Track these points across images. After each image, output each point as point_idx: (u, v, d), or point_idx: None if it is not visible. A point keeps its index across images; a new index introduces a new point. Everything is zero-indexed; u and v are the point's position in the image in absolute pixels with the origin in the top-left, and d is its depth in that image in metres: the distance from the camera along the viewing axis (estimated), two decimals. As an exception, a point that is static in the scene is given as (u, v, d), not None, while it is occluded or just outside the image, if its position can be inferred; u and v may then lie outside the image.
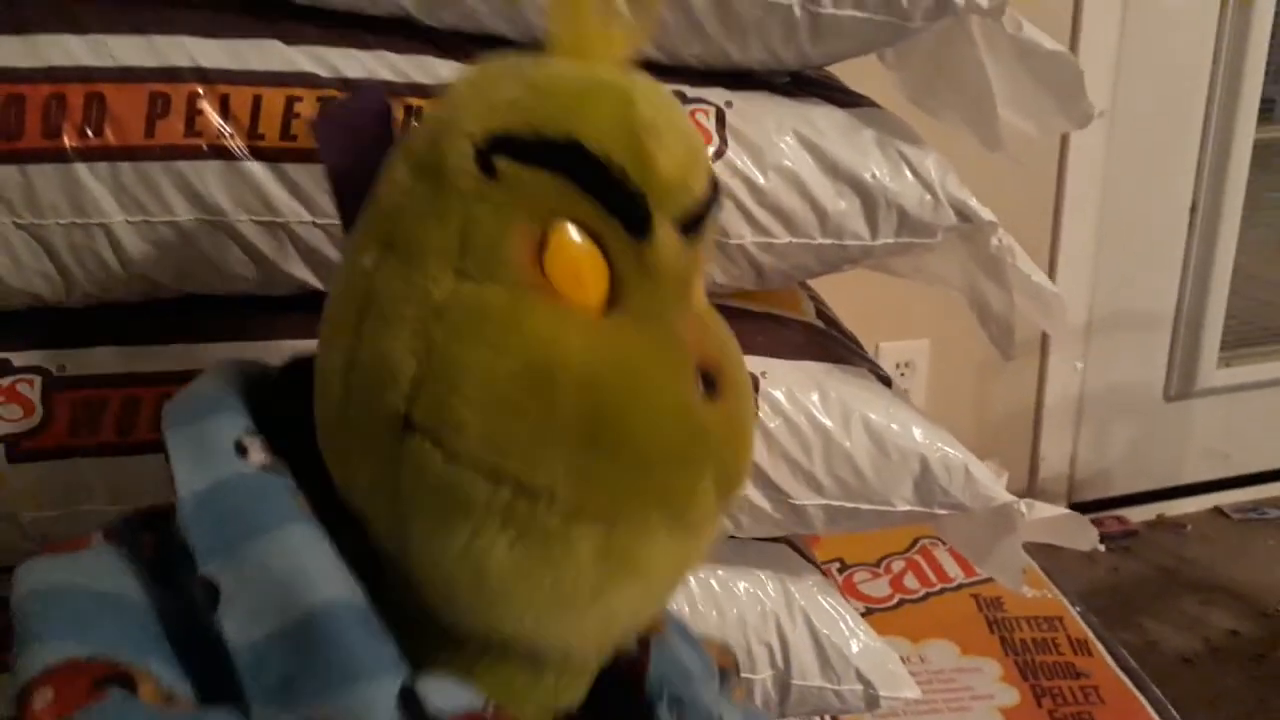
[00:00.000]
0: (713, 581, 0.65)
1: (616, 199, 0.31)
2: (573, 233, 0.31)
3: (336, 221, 0.51)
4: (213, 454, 0.33)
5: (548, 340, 0.31)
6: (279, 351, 0.54)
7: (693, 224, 0.33)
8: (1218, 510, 1.79)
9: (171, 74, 0.49)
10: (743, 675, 0.65)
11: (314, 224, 0.51)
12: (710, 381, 0.33)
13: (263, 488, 0.33)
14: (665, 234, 0.32)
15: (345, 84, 0.51)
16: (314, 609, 0.30)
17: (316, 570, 0.31)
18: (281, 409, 0.37)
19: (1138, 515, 1.77)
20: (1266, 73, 1.60)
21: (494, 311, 0.31)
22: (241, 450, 0.34)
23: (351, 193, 0.36)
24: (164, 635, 0.32)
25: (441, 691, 0.30)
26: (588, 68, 0.33)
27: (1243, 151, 1.63)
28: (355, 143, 0.37)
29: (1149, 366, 1.75)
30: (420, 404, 0.31)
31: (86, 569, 0.33)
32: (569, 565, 0.31)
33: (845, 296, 0.76)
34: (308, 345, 0.38)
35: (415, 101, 0.51)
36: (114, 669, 0.29)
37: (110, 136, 0.48)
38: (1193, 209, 1.67)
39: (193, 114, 0.49)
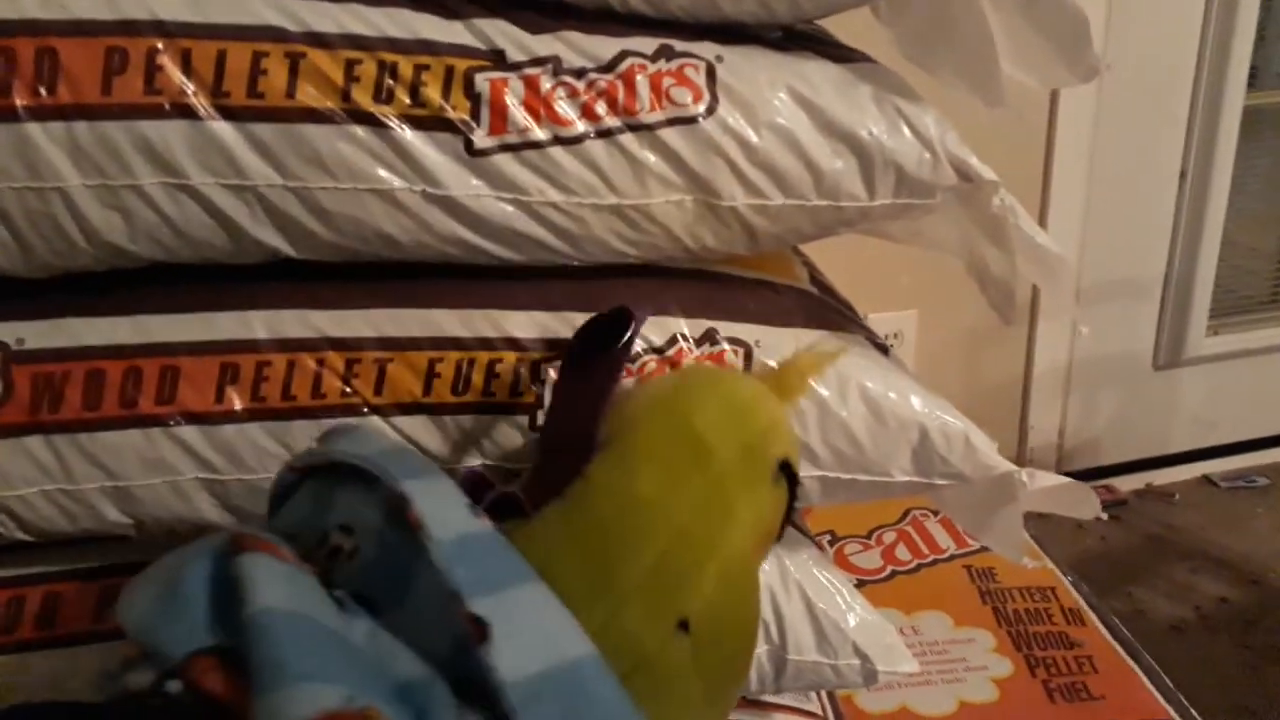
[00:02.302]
0: (706, 556, 0.63)
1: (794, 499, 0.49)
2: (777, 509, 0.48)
3: (308, 185, 0.49)
4: (454, 510, 0.37)
5: (756, 585, 0.47)
6: (251, 323, 0.52)
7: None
8: (1206, 479, 1.79)
9: (128, 27, 0.46)
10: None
11: (285, 187, 0.49)
12: None
13: (504, 545, 0.37)
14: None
15: (315, 38, 0.48)
16: (579, 659, 0.34)
17: (567, 623, 0.35)
18: None
19: (1126, 484, 1.77)
20: (1256, 39, 1.59)
21: (749, 560, 0.46)
22: (475, 511, 0.38)
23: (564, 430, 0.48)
24: (376, 671, 0.33)
25: None
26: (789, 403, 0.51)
27: (1232, 118, 1.62)
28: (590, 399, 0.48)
29: (1138, 335, 1.74)
30: (698, 631, 0.42)
31: (310, 595, 0.34)
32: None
33: (832, 268, 0.74)
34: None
35: (388, 57, 0.49)
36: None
37: (64, 94, 0.45)
38: (1182, 176, 1.66)
39: (152, 70, 0.46)
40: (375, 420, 0.52)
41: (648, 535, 0.42)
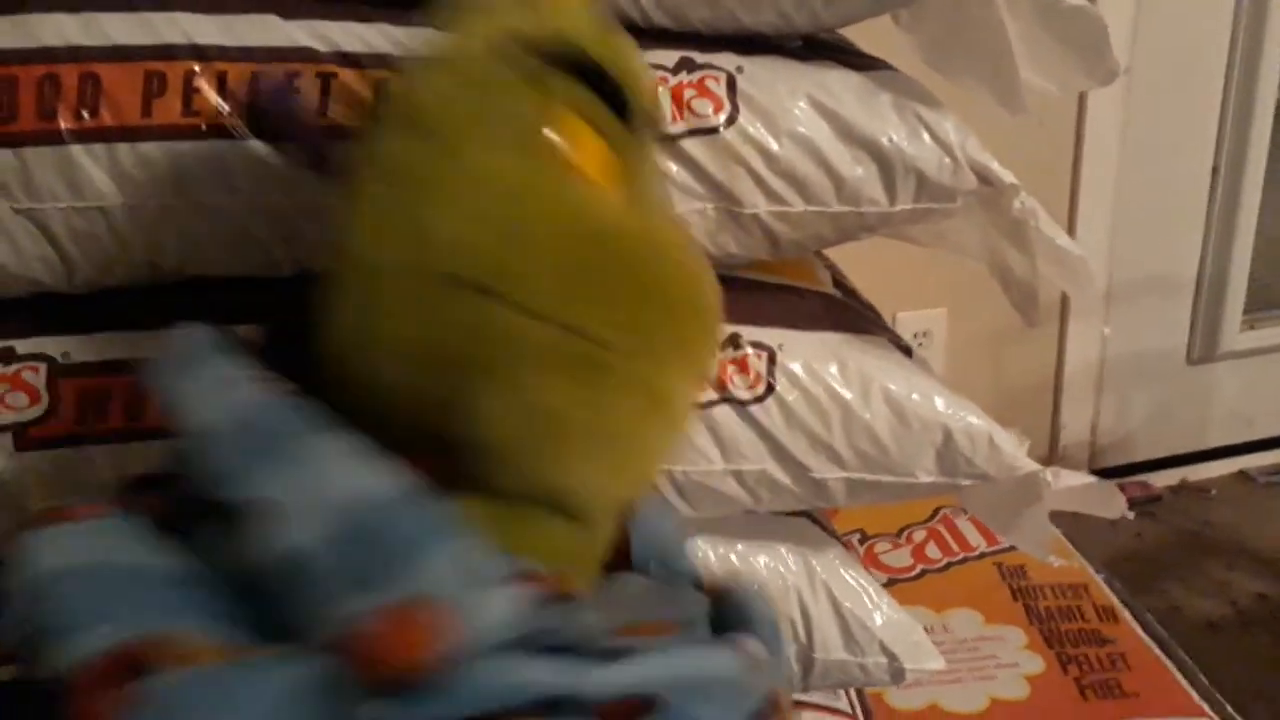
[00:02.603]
0: (732, 556, 0.64)
1: (616, 97, 0.38)
2: (592, 127, 0.37)
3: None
4: (230, 386, 0.35)
5: (594, 210, 0.36)
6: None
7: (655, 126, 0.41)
8: (1242, 474, 1.77)
9: (167, 52, 0.48)
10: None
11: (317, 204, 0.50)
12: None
13: (285, 407, 0.34)
14: (643, 130, 0.40)
15: (344, 58, 0.49)
16: (372, 506, 0.31)
17: (359, 471, 0.32)
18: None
19: (1161, 480, 1.75)
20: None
21: (549, 188, 0.35)
22: (250, 380, 0.35)
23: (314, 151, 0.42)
24: (194, 593, 0.32)
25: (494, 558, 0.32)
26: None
27: (1265, 111, 1.60)
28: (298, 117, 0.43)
29: (1171, 331, 1.72)
30: (487, 269, 0.34)
31: (102, 542, 0.33)
32: (621, 404, 0.35)
33: (861, 267, 0.74)
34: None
35: (417, 74, 0.50)
36: (153, 649, 0.29)
37: (106, 117, 0.47)
38: (1214, 171, 1.64)
39: (190, 93, 0.48)
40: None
41: (424, 267, 0.34)
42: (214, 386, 0.35)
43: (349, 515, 0.31)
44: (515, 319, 0.33)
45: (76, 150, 0.47)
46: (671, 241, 0.38)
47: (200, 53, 0.48)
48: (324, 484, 0.32)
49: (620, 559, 0.43)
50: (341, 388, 0.36)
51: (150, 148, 0.48)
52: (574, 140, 0.36)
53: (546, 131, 0.36)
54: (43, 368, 0.51)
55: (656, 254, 0.37)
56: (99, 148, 0.47)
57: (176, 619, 0.31)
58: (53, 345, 0.51)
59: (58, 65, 0.47)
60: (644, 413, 0.36)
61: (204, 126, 0.48)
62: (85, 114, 0.47)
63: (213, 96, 0.48)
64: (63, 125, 0.47)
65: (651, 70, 0.42)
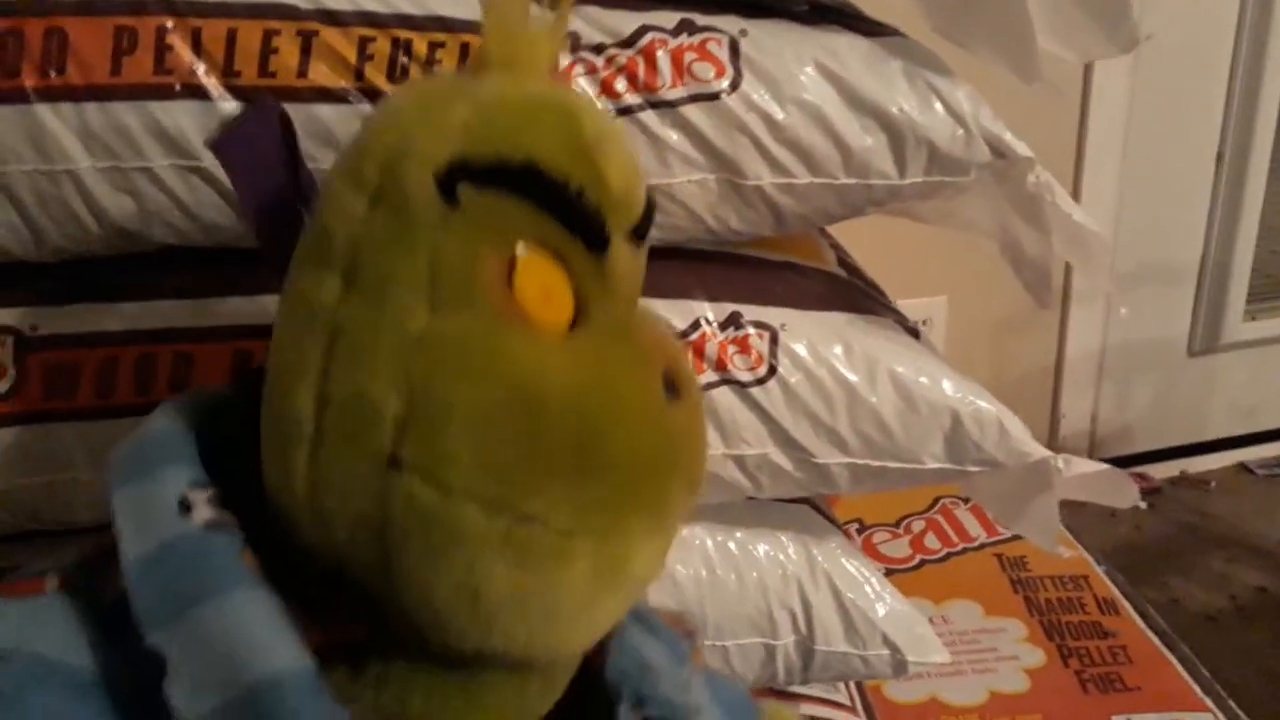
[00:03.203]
0: (731, 545, 0.62)
1: (577, 217, 0.32)
2: (539, 254, 0.32)
3: (321, 165, 0.48)
4: (157, 513, 0.32)
5: (530, 367, 0.31)
6: (266, 307, 0.51)
7: (639, 233, 0.35)
8: (1242, 466, 1.76)
9: (137, 6, 0.45)
10: (764, 641, 0.62)
11: (298, 169, 0.47)
12: (671, 384, 0.34)
13: (206, 549, 0.32)
14: (620, 246, 0.34)
15: (327, 16, 0.47)
16: (260, 681, 0.29)
17: (261, 640, 0.30)
18: (241, 432, 0.35)
19: (1161, 472, 1.73)
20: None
21: (473, 342, 0.31)
22: (186, 507, 0.32)
23: (269, 215, 0.36)
24: (110, 702, 0.31)
25: None
26: (527, 84, 0.33)
27: (1271, 97, 1.58)
28: (264, 162, 0.36)
29: (1173, 321, 1.70)
30: (408, 441, 0.30)
31: (33, 626, 0.32)
32: (564, 581, 0.32)
33: (860, 253, 0.72)
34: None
35: (402, 34, 0.47)
36: None
37: (74, 75, 0.45)
38: (1219, 159, 1.62)
39: (162, 50, 0.45)
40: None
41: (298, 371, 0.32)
42: (153, 506, 0.32)
43: (243, 692, 0.29)
44: (443, 501, 0.30)
45: (42, 110, 0.44)
46: (635, 394, 0.33)
47: (173, 8, 0.45)
48: (225, 651, 0.30)
49: (592, 677, 0.39)
50: (288, 520, 0.33)
51: (121, 108, 0.45)
52: (520, 277, 0.31)
53: (483, 272, 0.31)
54: (9, 341, 0.48)
55: (606, 414, 0.32)
56: (66, 107, 0.45)
57: None
58: (20, 318, 0.49)
59: (21, 20, 0.44)
60: (592, 579, 0.32)
61: (178, 86, 0.46)
62: (51, 72, 0.45)
63: (187, 54, 0.45)
64: (28, 83, 0.44)
65: (634, 156, 0.35)
